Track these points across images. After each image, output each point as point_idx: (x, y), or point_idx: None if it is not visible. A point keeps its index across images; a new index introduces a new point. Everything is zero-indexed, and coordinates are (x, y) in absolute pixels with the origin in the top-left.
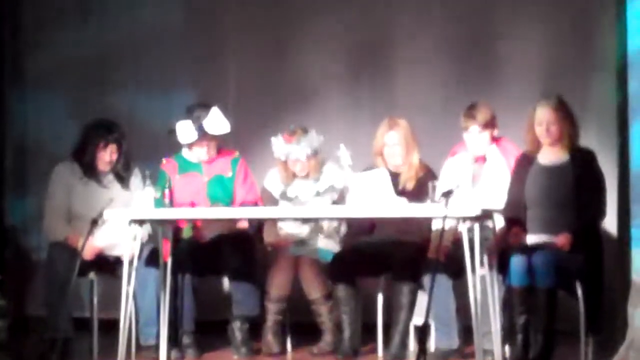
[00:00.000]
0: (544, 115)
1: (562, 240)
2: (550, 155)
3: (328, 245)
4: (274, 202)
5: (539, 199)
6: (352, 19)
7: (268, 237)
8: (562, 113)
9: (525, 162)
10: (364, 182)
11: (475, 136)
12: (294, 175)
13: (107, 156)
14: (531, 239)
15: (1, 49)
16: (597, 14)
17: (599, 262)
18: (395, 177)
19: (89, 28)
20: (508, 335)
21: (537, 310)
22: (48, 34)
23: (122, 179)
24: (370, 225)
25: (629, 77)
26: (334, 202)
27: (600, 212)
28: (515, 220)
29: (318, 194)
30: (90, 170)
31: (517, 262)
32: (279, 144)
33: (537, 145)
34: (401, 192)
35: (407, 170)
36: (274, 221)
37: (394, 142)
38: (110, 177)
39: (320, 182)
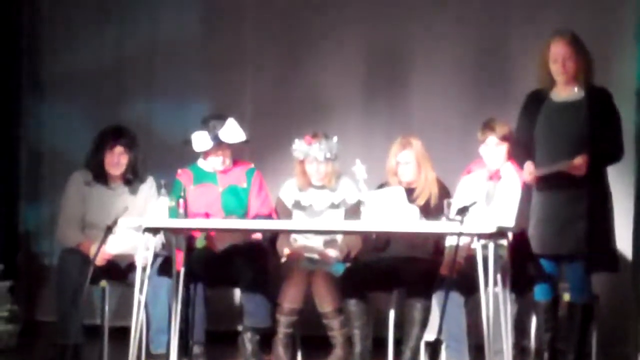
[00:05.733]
0: (559, 51)
1: (578, 161)
2: (564, 93)
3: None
4: (288, 213)
5: (550, 137)
6: (369, 34)
7: (281, 247)
8: (577, 48)
9: (537, 100)
10: (380, 199)
11: (492, 149)
12: (310, 184)
13: (114, 158)
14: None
15: (19, 57)
16: (616, 33)
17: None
18: (409, 192)
19: (106, 36)
20: (520, 354)
21: (571, 324)
22: (65, 42)
23: (130, 183)
24: (385, 243)
25: None
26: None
27: (616, 147)
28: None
29: (333, 205)
30: (99, 176)
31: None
32: (299, 144)
33: (550, 83)
34: None
35: (420, 186)
36: (287, 234)
37: (407, 161)
38: (122, 184)
39: (336, 193)
